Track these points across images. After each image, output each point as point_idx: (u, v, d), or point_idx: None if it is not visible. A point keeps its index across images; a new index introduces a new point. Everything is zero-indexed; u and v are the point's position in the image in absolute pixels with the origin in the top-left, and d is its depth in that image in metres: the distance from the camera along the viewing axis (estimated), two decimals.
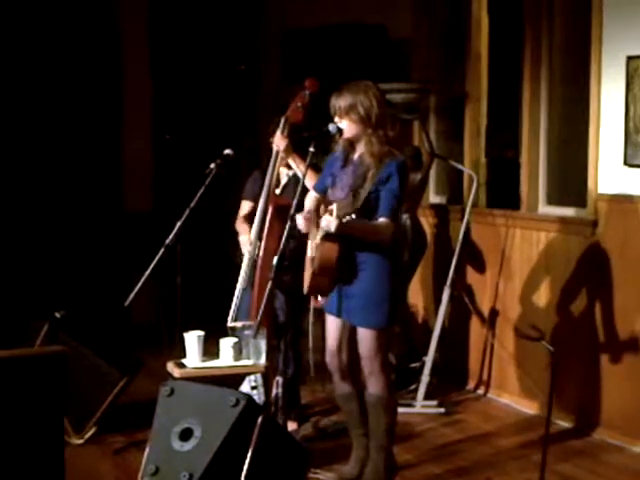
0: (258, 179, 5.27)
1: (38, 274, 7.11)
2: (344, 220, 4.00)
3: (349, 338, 4.43)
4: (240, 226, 5.31)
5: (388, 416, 4.40)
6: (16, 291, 6.80)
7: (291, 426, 5.22)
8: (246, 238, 5.15)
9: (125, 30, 7.78)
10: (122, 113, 7.84)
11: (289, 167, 5.19)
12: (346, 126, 4.27)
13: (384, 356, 4.38)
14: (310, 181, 4.85)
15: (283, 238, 4.17)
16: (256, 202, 5.20)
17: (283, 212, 4.92)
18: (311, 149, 4.25)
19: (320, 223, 4.16)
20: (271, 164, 5.07)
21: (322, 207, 4.39)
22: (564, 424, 5.45)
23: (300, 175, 4.98)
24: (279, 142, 4.98)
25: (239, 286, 5.02)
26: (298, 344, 5.29)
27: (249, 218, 5.27)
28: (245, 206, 5.36)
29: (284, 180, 5.29)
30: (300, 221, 4.30)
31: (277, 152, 5.02)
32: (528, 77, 5.91)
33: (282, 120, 5.03)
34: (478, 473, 4.69)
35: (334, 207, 4.07)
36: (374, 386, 4.38)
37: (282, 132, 4.99)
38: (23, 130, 7.30)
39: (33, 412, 3.18)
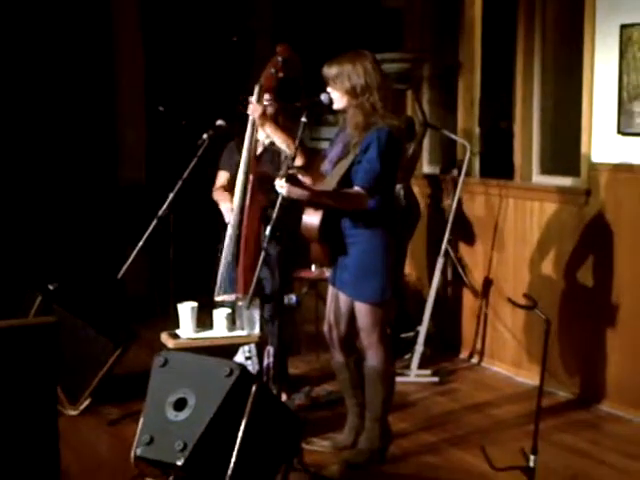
0: (234, 150, 5.25)
1: (32, 246, 7.09)
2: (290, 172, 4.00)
3: (347, 309, 4.43)
4: (219, 195, 5.27)
5: (385, 388, 4.41)
6: (10, 263, 6.78)
7: (282, 397, 5.22)
8: (228, 206, 5.13)
9: (116, 0, 7.73)
10: (115, 85, 7.79)
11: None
12: (335, 96, 4.25)
13: (382, 328, 4.37)
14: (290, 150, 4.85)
15: (276, 207, 4.14)
16: (232, 172, 5.20)
17: (264, 182, 4.92)
18: (303, 119, 4.20)
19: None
20: (248, 133, 5.05)
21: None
22: (567, 395, 5.46)
23: (278, 144, 4.98)
24: (254, 110, 4.97)
25: (223, 259, 5.01)
26: (283, 315, 5.27)
27: (226, 189, 5.26)
28: (222, 177, 5.33)
29: (259, 149, 5.24)
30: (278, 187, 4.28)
31: (254, 121, 5.01)
32: (522, 46, 5.88)
33: (256, 88, 5.01)
34: (472, 441, 4.71)
35: (282, 170, 4.07)
36: (372, 358, 4.39)
37: (257, 100, 4.99)
38: (15, 104, 7.25)
39: (26, 382, 3.18)
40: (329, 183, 4.18)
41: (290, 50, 4.98)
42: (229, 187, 5.25)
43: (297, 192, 4.06)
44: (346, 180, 4.17)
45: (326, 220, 4.16)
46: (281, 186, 4.03)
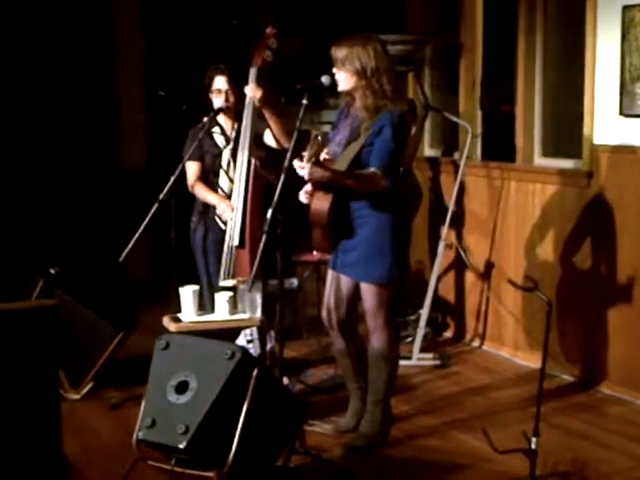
0: (204, 137, 5.09)
1: (33, 230, 7.08)
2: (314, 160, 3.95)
3: (347, 294, 4.42)
4: (203, 189, 5.14)
5: (388, 371, 4.41)
6: (11, 247, 6.77)
7: (284, 380, 5.22)
8: (217, 199, 5.06)
9: None
10: (115, 69, 7.77)
11: (234, 120, 5.15)
12: (342, 77, 4.24)
13: (388, 311, 4.35)
14: (283, 136, 4.82)
15: (277, 192, 4.13)
16: (202, 162, 5.15)
17: (267, 165, 4.91)
18: (304, 101, 4.19)
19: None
20: (248, 115, 5.01)
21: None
22: (568, 378, 5.46)
23: (274, 130, 4.94)
24: (254, 92, 4.92)
25: (226, 244, 5.00)
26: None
27: (200, 179, 5.17)
28: (193, 168, 5.16)
29: (233, 135, 5.17)
30: (302, 197, 4.28)
31: (252, 102, 4.97)
32: (523, 27, 5.86)
33: (253, 71, 4.97)
34: (474, 424, 4.70)
35: (305, 153, 4.01)
36: (377, 341, 4.39)
37: (255, 82, 4.95)
38: (15, 89, 7.23)
39: (28, 366, 3.18)
40: (339, 165, 4.17)
41: (276, 31, 4.97)
42: (202, 178, 5.17)
43: (319, 173, 4.05)
44: (357, 162, 4.16)
45: (335, 205, 4.15)
46: (302, 167, 4.01)
